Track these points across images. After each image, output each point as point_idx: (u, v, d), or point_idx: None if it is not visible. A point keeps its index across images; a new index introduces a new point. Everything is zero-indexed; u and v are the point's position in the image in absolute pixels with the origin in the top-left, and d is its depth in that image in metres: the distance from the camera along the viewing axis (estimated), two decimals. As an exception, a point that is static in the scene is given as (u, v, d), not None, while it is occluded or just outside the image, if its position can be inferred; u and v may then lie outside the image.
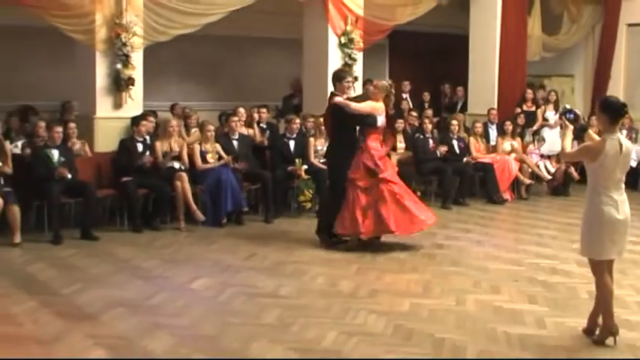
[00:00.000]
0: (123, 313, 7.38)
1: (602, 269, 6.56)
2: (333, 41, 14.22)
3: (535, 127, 15.71)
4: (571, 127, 7.16)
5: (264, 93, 16.34)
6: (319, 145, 12.83)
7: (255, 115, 13.79)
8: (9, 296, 7.94)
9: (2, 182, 10.39)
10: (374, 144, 10.32)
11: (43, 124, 11.53)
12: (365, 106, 10.29)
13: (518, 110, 15.80)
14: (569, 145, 7.00)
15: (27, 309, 7.50)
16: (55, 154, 10.91)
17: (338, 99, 10.32)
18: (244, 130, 12.89)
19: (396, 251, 10.17)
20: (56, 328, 6.93)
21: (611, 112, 6.48)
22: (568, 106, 7.59)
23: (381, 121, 10.32)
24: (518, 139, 15.01)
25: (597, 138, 6.90)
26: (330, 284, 8.53)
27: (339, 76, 10.79)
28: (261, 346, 6.46)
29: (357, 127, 10.45)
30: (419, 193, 14.12)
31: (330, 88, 13.93)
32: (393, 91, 10.77)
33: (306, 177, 12.34)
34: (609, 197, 6.40)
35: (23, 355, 6.21)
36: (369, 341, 6.60)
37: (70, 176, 10.84)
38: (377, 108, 10.27)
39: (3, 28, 14.14)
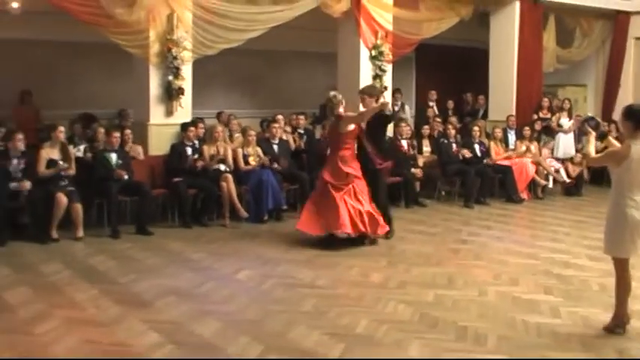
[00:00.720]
0: (174, 301, 7.45)
1: (624, 266, 6.52)
2: (364, 54, 14.23)
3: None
4: (594, 133, 7.15)
5: (301, 101, 16.37)
6: (351, 148, 12.84)
7: (294, 122, 13.93)
8: (73, 285, 8.04)
9: (67, 182, 10.52)
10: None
11: (102, 130, 11.65)
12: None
13: (535, 117, 15.76)
14: (594, 150, 6.96)
15: (89, 296, 7.61)
16: (114, 157, 11.03)
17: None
18: (284, 135, 12.96)
19: (423, 246, 10.19)
20: (115, 313, 7.03)
21: (636, 118, 6.41)
22: (590, 114, 7.57)
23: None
24: (535, 143, 14.96)
25: (616, 143, 6.87)
26: (362, 276, 8.56)
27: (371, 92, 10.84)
28: (299, 331, 6.50)
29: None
30: (443, 193, 14.24)
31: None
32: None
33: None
34: (633, 200, 6.34)
35: (86, 337, 6.29)
36: (398, 328, 6.61)
37: (126, 177, 10.95)
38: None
39: (69, 43, 14.38)
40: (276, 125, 12.65)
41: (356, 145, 10.41)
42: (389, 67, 14.50)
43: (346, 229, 9.80)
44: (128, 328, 6.59)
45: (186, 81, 12.13)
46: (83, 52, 14.74)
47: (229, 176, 11.51)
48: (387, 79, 14.46)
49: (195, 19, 12.21)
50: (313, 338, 6.34)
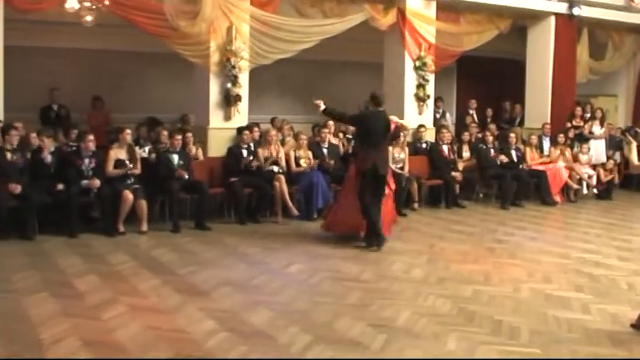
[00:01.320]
0: (230, 291, 7.48)
1: None
2: (409, 64, 14.17)
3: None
4: (634, 142, 7.05)
5: (349, 108, 16.27)
6: (396, 152, 12.80)
7: (342, 127, 13.93)
8: (137, 275, 8.12)
9: (132, 181, 10.63)
10: None
11: (165, 132, 11.73)
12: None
13: (569, 125, 15.59)
14: (636, 158, 6.86)
15: (151, 285, 7.67)
16: (175, 158, 11.13)
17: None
18: (333, 140, 12.96)
19: (461, 245, 10.11)
20: (175, 302, 7.07)
21: None
22: (630, 124, 7.53)
23: None
24: (568, 149, 14.81)
25: None
26: (404, 271, 8.51)
27: (378, 99, 10.07)
28: (344, 322, 6.47)
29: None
30: (481, 195, 14.13)
31: (408, 105, 14.13)
32: None
33: (385, 179, 12.32)
34: None
35: (149, 323, 6.33)
36: (437, 321, 6.56)
37: (187, 176, 11.03)
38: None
39: (137, 53, 14.55)
40: (326, 130, 12.68)
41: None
42: (431, 77, 14.42)
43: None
44: (187, 316, 6.62)
45: (243, 88, 12.20)
46: (149, 62, 14.92)
47: (282, 177, 11.54)
48: (430, 88, 14.39)
49: (252, 31, 12.28)
50: (357, 329, 6.30)
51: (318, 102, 10.19)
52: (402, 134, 12.06)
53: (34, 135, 10.79)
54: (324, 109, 10.15)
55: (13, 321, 6.38)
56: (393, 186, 10.54)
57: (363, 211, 9.76)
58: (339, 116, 10.62)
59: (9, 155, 10.12)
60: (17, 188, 9.86)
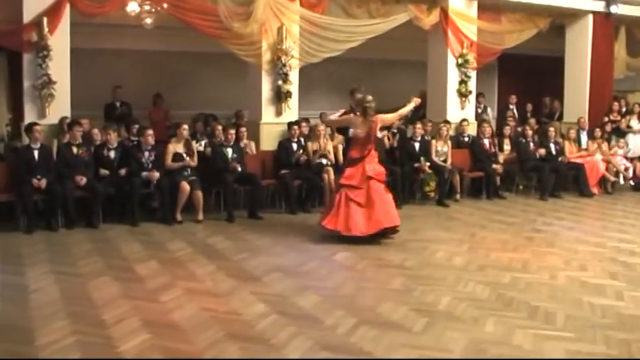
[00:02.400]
0: (280, 276, 7.52)
1: None
2: (451, 62, 14.07)
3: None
4: None
5: (394, 104, 16.24)
6: (439, 146, 12.75)
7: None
8: (194, 261, 8.21)
9: (189, 173, 10.74)
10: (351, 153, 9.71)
11: (220, 127, 11.81)
12: (337, 118, 10.11)
13: (606, 119, 15.36)
14: None
15: (207, 271, 7.76)
16: (229, 151, 11.20)
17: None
18: (378, 134, 12.90)
19: (501, 234, 10.01)
20: (229, 286, 7.14)
21: None
22: None
23: (352, 132, 9.73)
24: (606, 143, 14.58)
25: None
26: (446, 259, 8.47)
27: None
28: (388, 306, 6.48)
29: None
30: (521, 187, 13.99)
31: (451, 100, 14.03)
32: (368, 104, 9.76)
33: (429, 171, 12.27)
34: None
35: (204, 305, 6.41)
36: (476, 306, 6.52)
37: (240, 169, 11.09)
38: (351, 120, 9.85)
39: (193, 53, 14.69)
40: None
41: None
42: (473, 74, 14.31)
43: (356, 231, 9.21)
44: (239, 299, 6.68)
45: (293, 85, 12.27)
46: (205, 61, 15.06)
47: (330, 169, 11.53)
48: (472, 85, 14.28)
49: (302, 31, 12.35)
50: (400, 313, 6.30)
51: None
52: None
53: (96, 131, 10.98)
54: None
55: (79, 303, 6.51)
56: None
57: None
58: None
59: (75, 149, 10.31)
60: (83, 180, 10.06)
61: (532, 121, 15.16)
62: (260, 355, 5.27)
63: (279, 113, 12.29)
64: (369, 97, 9.79)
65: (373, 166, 9.55)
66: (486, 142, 13.45)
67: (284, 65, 12.06)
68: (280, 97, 12.19)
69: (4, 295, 6.76)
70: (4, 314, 6.16)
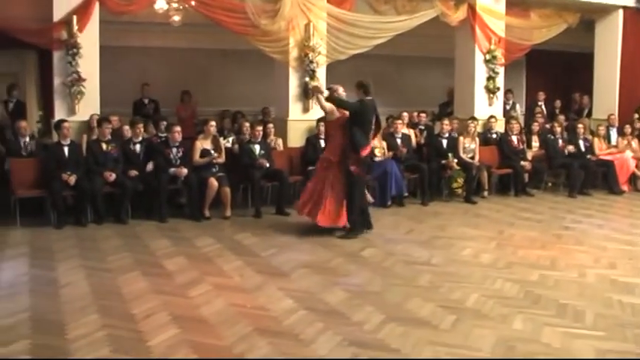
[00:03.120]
0: (307, 272, 7.56)
1: None
2: (479, 58, 13.99)
3: None
4: None
5: (421, 100, 16.27)
6: (467, 142, 12.70)
7: (415, 118, 13.91)
8: (222, 256, 8.27)
9: (217, 169, 10.79)
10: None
11: (247, 124, 11.87)
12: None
13: (636, 116, 15.18)
14: None
15: (235, 266, 7.81)
16: (257, 147, 11.25)
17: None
18: (406, 130, 12.92)
19: (529, 231, 9.95)
20: (256, 282, 7.19)
21: None
22: None
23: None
24: (636, 139, 14.42)
25: None
26: (473, 256, 8.44)
27: (367, 87, 9.71)
28: (415, 303, 6.48)
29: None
30: (550, 184, 13.90)
31: (479, 97, 13.95)
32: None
33: (457, 168, 12.23)
34: None
35: (232, 301, 6.45)
36: (504, 303, 6.49)
37: (267, 165, 11.13)
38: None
39: (221, 50, 14.73)
40: (399, 122, 12.64)
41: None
42: (501, 70, 14.20)
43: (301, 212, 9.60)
44: (267, 295, 6.72)
45: (320, 82, 12.25)
46: (232, 58, 15.12)
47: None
48: (500, 81, 14.18)
49: (329, 28, 12.35)
50: (427, 309, 6.30)
51: (317, 85, 10.09)
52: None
53: (126, 127, 11.07)
54: (327, 96, 9.61)
55: (109, 297, 6.59)
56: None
57: (359, 204, 9.47)
58: (340, 102, 9.60)
59: (104, 146, 10.41)
60: (112, 176, 10.16)
61: (561, 117, 15.05)
62: (289, 351, 5.30)
63: (306, 110, 12.31)
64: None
65: None
66: (514, 138, 13.37)
67: (311, 62, 12.08)
68: (307, 94, 12.19)
69: (35, 289, 6.87)
70: (36, 308, 6.24)
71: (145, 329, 5.68)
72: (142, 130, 10.99)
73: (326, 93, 9.66)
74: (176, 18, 12.20)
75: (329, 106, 9.57)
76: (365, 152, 9.50)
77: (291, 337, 5.56)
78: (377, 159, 11.85)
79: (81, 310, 6.16)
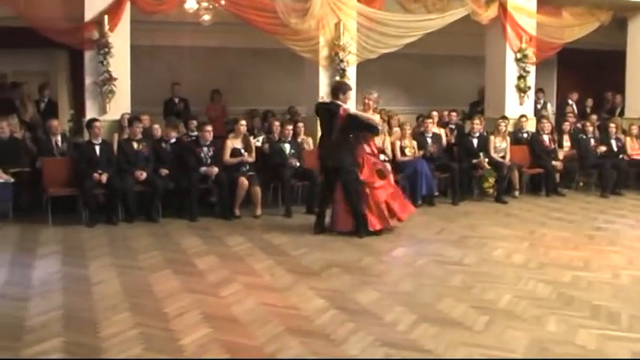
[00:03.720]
0: (338, 272, 7.52)
1: None
2: (510, 57, 13.85)
3: None
4: None
5: (451, 99, 16.19)
6: (498, 142, 12.60)
7: (445, 118, 13.83)
8: (252, 255, 8.28)
9: (247, 168, 10.80)
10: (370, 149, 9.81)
11: (277, 123, 11.88)
12: (373, 117, 9.72)
13: (671, 115, 15.00)
14: None
15: (265, 266, 7.80)
16: (287, 147, 11.25)
17: (357, 112, 9.70)
18: (436, 130, 12.84)
19: (561, 231, 9.83)
20: (287, 281, 7.17)
21: None
22: None
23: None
24: (669, 139, 14.23)
25: None
26: (505, 256, 8.34)
27: (344, 89, 9.57)
28: (448, 303, 6.42)
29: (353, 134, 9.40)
30: (581, 184, 13.75)
31: (509, 96, 13.84)
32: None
33: (488, 167, 12.13)
34: None
35: (263, 300, 6.43)
36: (537, 304, 6.41)
37: (298, 164, 11.13)
38: (376, 119, 9.86)
39: (250, 49, 14.79)
40: (430, 121, 12.56)
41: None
42: (532, 69, 14.06)
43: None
44: (298, 294, 6.70)
45: (350, 81, 12.17)
46: (262, 57, 15.12)
47: (388, 165, 11.46)
48: (531, 80, 14.04)
49: (359, 27, 12.33)
50: (460, 310, 6.24)
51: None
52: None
53: (156, 126, 11.12)
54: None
55: (140, 295, 6.61)
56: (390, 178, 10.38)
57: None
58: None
59: (135, 145, 10.46)
60: (143, 175, 10.21)
61: (593, 117, 14.88)
62: (320, 350, 5.26)
63: (336, 109, 12.25)
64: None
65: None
66: (546, 138, 13.25)
67: (341, 61, 12.06)
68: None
69: (68, 287, 6.91)
70: (69, 306, 6.28)
71: (176, 328, 5.68)
72: (174, 131, 11.02)
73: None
74: (206, 17, 12.28)
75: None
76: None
77: (322, 337, 5.53)
78: (407, 158, 11.80)
79: (113, 308, 6.19)
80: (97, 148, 10.29)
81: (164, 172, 10.47)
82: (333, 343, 5.41)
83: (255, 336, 5.54)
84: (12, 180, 9.99)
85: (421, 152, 12.02)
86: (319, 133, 9.76)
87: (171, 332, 5.60)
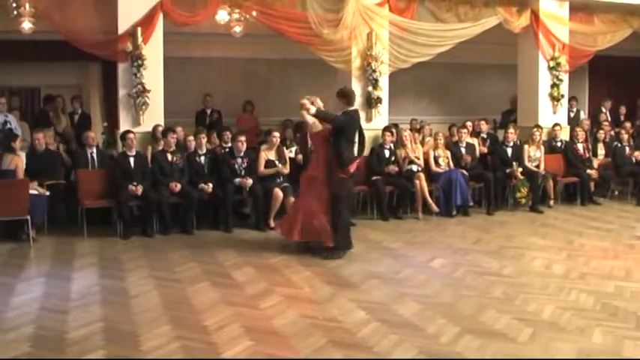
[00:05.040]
0: (377, 284, 7.47)
1: None
2: (543, 65, 13.71)
3: None
4: None
5: (482, 108, 16.06)
6: (532, 151, 12.47)
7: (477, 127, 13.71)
8: (290, 267, 8.23)
9: (282, 179, 10.77)
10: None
11: (310, 134, 11.85)
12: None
13: None
14: None
15: (303, 277, 7.77)
16: (321, 158, 11.19)
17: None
18: (469, 139, 12.73)
19: (600, 241, 9.70)
20: (326, 293, 7.13)
21: None
22: None
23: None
24: None
25: None
26: (545, 267, 8.25)
27: (351, 97, 9.09)
28: (490, 315, 6.35)
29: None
30: (617, 192, 13.58)
31: (543, 104, 13.70)
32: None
33: (522, 177, 12.00)
34: None
35: (303, 312, 6.40)
36: (581, 316, 6.32)
37: (332, 175, 11.05)
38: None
39: (281, 60, 14.80)
40: (464, 130, 12.45)
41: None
42: (565, 77, 13.92)
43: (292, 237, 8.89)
44: (338, 306, 6.64)
45: (383, 91, 12.20)
46: (292, 67, 15.14)
47: (421, 175, 11.42)
48: (564, 88, 13.90)
49: (392, 37, 12.27)
50: (503, 321, 6.16)
51: (305, 103, 8.96)
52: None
53: (191, 138, 11.13)
54: (315, 111, 8.87)
55: (180, 308, 6.60)
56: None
57: (342, 220, 8.85)
58: (326, 116, 8.89)
59: (169, 156, 10.48)
60: (177, 187, 10.21)
61: (627, 124, 14.70)
62: (365, 364, 5.22)
63: (369, 119, 12.18)
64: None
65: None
66: (580, 146, 13.11)
67: (374, 71, 12.00)
68: (370, 103, 12.13)
69: (107, 299, 6.91)
70: (109, 318, 6.28)
71: (218, 341, 5.65)
72: (205, 140, 11.01)
73: (313, 109, 8.84)
74: (237, 29, 12.29)
75: (311, 119, 8.92)
76: (353, 168, 8.96)
77: (366, 350, 5.47)
78: (441, 169, 11.72)
79: (153, 321, 6.18)
80: (132, 160, 10.31)
81: (206, 187, 10.39)
82: (377, 355, 5.37)
83: (298, 349, 5.50)
84: (47, 193, 10.03)
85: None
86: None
87: (212, 345, 5.57)
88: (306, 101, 8.92)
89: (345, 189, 8.99)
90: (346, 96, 9.05)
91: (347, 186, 9.09)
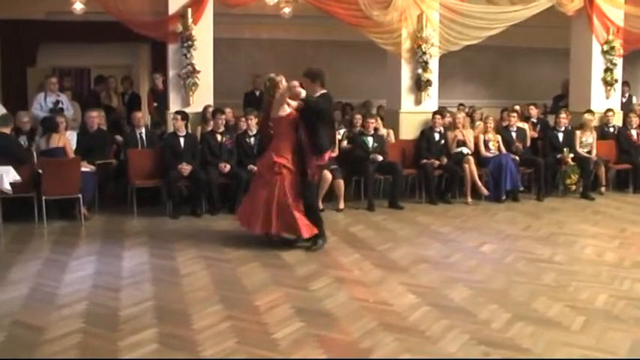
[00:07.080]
0: (427, 268, 7.42)
1: None
2: (596, 49, 13.44)
3: None
4: None
5: (533, 93, 15.88)
6: (584, 137, 12.28)
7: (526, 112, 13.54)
8: (339, 249, 8.23)
9: (331, 161, 10.74)
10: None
11: (359, 116, 11.82)
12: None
13: None
14: None
15: (353, 260, 7.75)
16: (370, 140, 11.16)
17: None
18: (520, 124, 12.56)
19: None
20: (376, 276, 7.11)
21: None
22: None
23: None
24: None
25: None
26: (597, 254, 8.11)
27: (325, 77, 8.42)
28: (542, 302, 6.25)
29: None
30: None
31: (595, 89, 13.45)
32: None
33: (572, 163, 11.83)
34: None
35: (354, 295, 6.39)
36: (635, 305, 6.18)
37: (381, 158, 11.00)
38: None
39: (329, 42, 14.77)
40: (513, 114, 12.29)
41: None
42: (619, 61, 13.65)
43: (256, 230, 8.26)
44: (389, 289, 6.62)
45: (433, 74, 12.11)
46: (340, 49, 15.11)
47: (471, 158, 11.32)
48: (618, 72, 13.62)
49: (442, 19, 12.16)
50: (555, 309, 6.06)
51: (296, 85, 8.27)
52: None
53: (243, 119, 11.16)
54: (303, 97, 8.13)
55: (230, 288, 6.63)
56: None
57: (315, 209, 8.41)
58: (315, 104, 8.16)
59: (219, 137, 10.52)
60: (227, 167, 10.26)
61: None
62: (416, 348, 5.17)
63: (418, 102, 12.13)
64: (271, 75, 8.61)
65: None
66: (634, 132, 12.86)
67: (424, 53, 11.90)
68: (420, 85, 12.04)
69: (157, 278, 6.99)
70: (160, 297, 6.34)
71: (269, 321, 5.67)
72: (256, 121, 11.02)
73: (303, 93, 8.10)
74: (286, 10, 12.30)
75: (294, 104, 8.24)
76: (327, 155, 8.44)
77: (417, 334, 5.44)
78: (491, 153, 11.60)
79: (204, 301, 6.22)
80: (182, 141, 10.37)
81: (251, 167, 10.17)
82: (429, 340, 5.32)
83: (349, 331, 5.48)
84: (94, 168, 10.12)
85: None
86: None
87: (263, 326, 5.58)
88: (296, 83, 8.23)
89: (318, 177, 8.76)
90: (320, 76, 8.34)
91: (320, 174, 8.91)
